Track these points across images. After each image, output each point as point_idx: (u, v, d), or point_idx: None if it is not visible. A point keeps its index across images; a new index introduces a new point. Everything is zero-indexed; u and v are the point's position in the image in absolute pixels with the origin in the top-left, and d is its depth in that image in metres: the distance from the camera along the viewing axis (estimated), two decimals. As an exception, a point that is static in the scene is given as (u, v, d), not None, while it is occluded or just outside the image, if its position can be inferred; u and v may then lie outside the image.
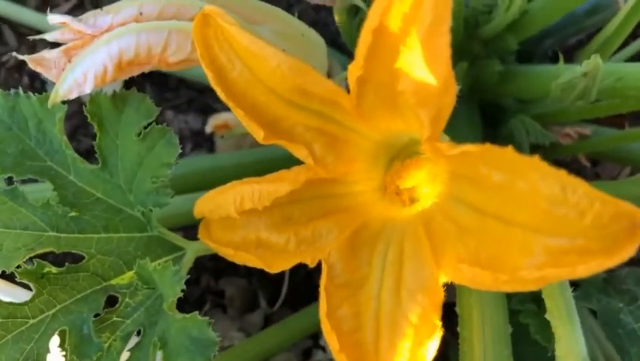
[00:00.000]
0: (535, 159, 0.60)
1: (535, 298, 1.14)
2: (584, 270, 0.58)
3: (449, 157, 0.68)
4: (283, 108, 0.77)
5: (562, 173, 0.59)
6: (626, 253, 0.56)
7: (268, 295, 1.39)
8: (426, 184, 0.89)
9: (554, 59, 1.68)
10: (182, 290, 0.75)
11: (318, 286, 1.45)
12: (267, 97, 0.77)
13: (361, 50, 0.67)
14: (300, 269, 1.43)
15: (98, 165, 0.85)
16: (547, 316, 0.80)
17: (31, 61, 0.81)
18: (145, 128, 0.81)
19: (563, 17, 1.35)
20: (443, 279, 0.73)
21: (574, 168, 1.56)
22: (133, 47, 0.77)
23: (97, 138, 0.84)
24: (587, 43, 1.41)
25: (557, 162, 0.92)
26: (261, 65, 0.73)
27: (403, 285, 0.77)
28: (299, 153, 0.79)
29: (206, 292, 1.37)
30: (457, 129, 1.17)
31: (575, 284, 0.89)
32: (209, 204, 0.83)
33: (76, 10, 1.74)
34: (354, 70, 0.69)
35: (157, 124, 0.81)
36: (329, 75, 1.16)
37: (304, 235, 0.83)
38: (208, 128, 1.46)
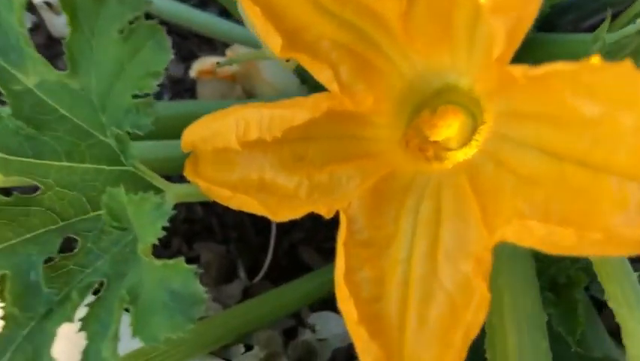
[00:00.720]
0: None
1: (553, 286, 1.02)
2: None
3: (529, 83, 0.53)
4: (309, 13, 0.62)
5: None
6: None
7: (247, 265, 1.23)
8: (461, 143, 0.74)
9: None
10: (165, 228, 0.59)
11: (301, 261, 1.31)
12: (291, -5, 0.60)
13: None
14: (283, 240, 1.28)
15: (65, 71, 0.68)
16: (610, 304, 0.66)
17: None
18: (130, 24, 0.64)
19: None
20: (494, 240, 0.59)
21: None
22: None
23: (68, 36, 0.66)
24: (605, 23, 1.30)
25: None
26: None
27: (440, 248, 0.63)
28: (322, 74, 0.63)
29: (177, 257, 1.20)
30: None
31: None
32: (202, 130, 0.66)
33: None
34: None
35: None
36: None
37: (319, 180, 0.67)
38: (192, 73, 1.29)
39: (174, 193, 0.77)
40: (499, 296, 0.80)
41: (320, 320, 1.06)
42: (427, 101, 0.75)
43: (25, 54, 0.67)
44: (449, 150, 0.75)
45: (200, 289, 0.57)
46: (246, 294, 1.18)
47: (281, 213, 0.65)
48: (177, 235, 1.25)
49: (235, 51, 1.28)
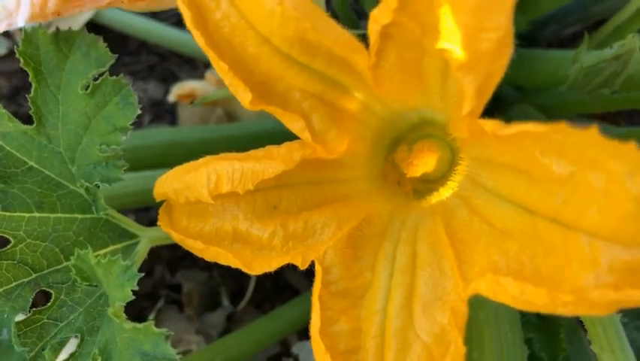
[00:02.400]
0: (631, 147, 0.44)
1: (536, 310, 1.01)
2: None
3: (500, 139, 0.53)
4: (279, 65, 0.61)
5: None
6: None
7: (230, 290, 1.22)
8: (439, 174, 0.74)
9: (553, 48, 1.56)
10: (134, 292, 0.58)
11: (286, 283, 1.30)
12: (259, 48, 0.59)
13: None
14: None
15: (32, 125, 0.66)
16: (593, 347, 0.66)
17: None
18: (95, 80, 0.63)
19: (570, 3, 1.24)
20: (469, 292, 0.58)
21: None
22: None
23: (32, 90, 0.65)
24: (584, 35, 1.30)
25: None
26: (255, 2, 0.56)
27: (416, 298, 0.62)
28: (294, 124, 0.62)
29: (160, 286, 1.19)
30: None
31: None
32: (174, 183, 0.65)
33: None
34: (381, 17, 0.53)
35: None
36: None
37: (294, 229, 0.66)
38: (171, 97, 1.28)
39: (149, 238, 0.76)
40: (480, 330, 0.79)
41: (304, 350, 1.05)
42: (404, 134, 0.75)
43: (-10, 109, 0.65)
44: (427, 182, 0.75)
45: (170, 351, 0.56)
46: (231, 320, 1.18)
47: (255, 266, 0.64)
48: (160, 262, 1.24)
49: (214, 74, 1.26)
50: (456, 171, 0.70)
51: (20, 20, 0.56)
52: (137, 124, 1.37)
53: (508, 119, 1.35)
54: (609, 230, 0.48)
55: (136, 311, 1.13)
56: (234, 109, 1.31)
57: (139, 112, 0.62)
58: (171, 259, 1.24)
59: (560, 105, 1.27)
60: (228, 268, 1.32)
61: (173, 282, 1.21)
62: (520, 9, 1.25)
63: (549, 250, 0.52)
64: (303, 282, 1.26)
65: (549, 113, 1.29)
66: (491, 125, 0.53)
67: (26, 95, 1.16)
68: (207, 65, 1.46)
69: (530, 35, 1.40)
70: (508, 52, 0.51)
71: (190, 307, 1.11)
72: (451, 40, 0.51)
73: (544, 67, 1.20)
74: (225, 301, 1.16)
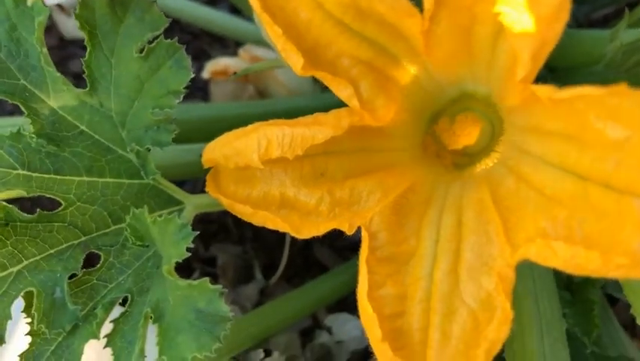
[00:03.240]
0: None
1: (569, 285, 1.01)
2: None
3: (552, 104, 0.53)
4: (330, 31, 0.61)
5: None
6: None
7: (262, 264, 1.23)
8: (479, 147, 0.74)
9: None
10: (189, 250, 0.59)
11: (315, 259, 1.31)
12: (311, 13, 0.60)
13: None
14: (298, 238, 1.28)
15: (85, 88, 0.68)
16: (638, 320, 0.66)
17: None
18: (149, 43, 0.64)
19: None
20: (516, 257, 0.59)
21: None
22: None
23: (87, 54, 0.66)
24: (614, 18, 1.28)
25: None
26: (312, -32, 0.57)
27: (462, 264, 0.63)
28: (343, 91, 0.63)
29: (194, 259, 1.20)
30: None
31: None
32: (224, 148, 0.66)
33: None
34: (438, -19, 0.53)
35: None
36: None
37: (340, 196, 0.67)
38: (205, 74, 1.29)
39: (194, 205, 0.77)
40: (519, 303, 0.80)
41: (336, 322, 1.06)
42: (445, 108, 0.75)
43: (46, 73, 0.67)
44: (466, 155, 0.75)
45: (225, 308, 0.58)
46: (263, 294, 1.19)
47: (304, 230, 0.65)
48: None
49: (248, 51, 1.27)
50: (499, 142, 0.70)
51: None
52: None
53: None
54: (664, 193, 0.48)
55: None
56: (266, 86, 1.32)
57: (192, 75, 0.63)
58: (205, 233, 1.26)
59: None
60: (261, 242, 1.33)
61: (207, 256, 1.23)
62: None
63: (600, 214, 0.52)
64: (331, 259, 1.27)
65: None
66: (545, 89, 0.53)
67: (62, 71, 1.18)
68: (237, 43, 1.47)
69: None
70: (565, 17, 0.51)
71: (225, 279, 1.13)
72: (508, 4, 0.52)
73: (580, 46, 1.19)
74: (258, 275, 1.17)
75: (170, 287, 0.60)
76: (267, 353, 0.97)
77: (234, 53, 1.39)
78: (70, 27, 1.33)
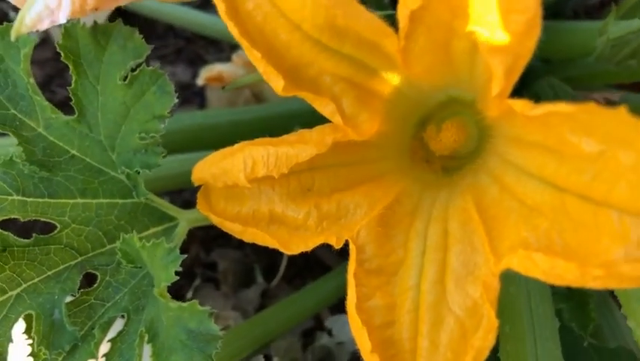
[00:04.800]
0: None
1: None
2: None
3: (529, 118, 0.54)
4: (310, 51, 0.62)
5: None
6: None
7: (263, 267, 1.25)
8: (467, 151, 0.75)
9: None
10: (177, 273, 0.60)
11: (317, 259, 1.32)
12: (290, 35, 0.61)
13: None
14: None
15: (73, 115, 0.69)
16: (628, 322, 0.67)
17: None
18: (132, 70, 0.65)
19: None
20: (500, 267, 0.60)
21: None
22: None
23: (72, 82, 0.67)
24: (610, 3, 1.27)
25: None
26: (287, -9, 0.57)
27: (448, 273, 0.64)
28: (325, 108, 0.64)
29: (196, 265, 1.22)
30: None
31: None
32: (212, 168, 0.68)
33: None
34: (411, 1, 0.54)
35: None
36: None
37: (327, 209, 0.68)
38: (200, 81, 1.30)
39: (187, 220, 0.79)
40: (512, 304, 0.81)
41: (337, 323, 1.08)
42: (432, 113, 0.76)
43: (35, 102, 0.68)
44: (455, 159, 0.76)
45: (214, 327, 0.59)
46: (265, 296, 1.21)
47: (292, 246, 0.67)
48: (195, 242, 1.27)
49: (241, 57, 1.28)
50: (485, 149, 0.71)
51: (62, 17, 0.58)
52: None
53: (534, 92, 1.35)
54: (638, 206, 0.49)
55: (174, 289, 1.17)
56: (261, 90, 1.33)
57: (175, 100, 0.64)
58: (206, 238, 1.28)
59: (586, 77, 1.26)
60: (260, 246, 1.35)
61: (208, 261, 1.25)
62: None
63: (579, 225, 0.53)
64: (333, 258, 1.28)
65: (576, 85, 1.28)
66: (520, 105, 0.54)
67: (59, 83, 1.19)
68: (232, 46, 1.47)
69: (556, 3, 1.39)
70: (536, 33, 0.52)
71: (226, 284, 1.14)
72: (480, 23, 0.52)
73: (572, 39, 1.19)
74: (259, 278, 1.19)
75: (162, 308, 0.62)
76: (268, 359, 0.99)
77: (229, 57, 1.40)
78: (65, 39, 1.34)
